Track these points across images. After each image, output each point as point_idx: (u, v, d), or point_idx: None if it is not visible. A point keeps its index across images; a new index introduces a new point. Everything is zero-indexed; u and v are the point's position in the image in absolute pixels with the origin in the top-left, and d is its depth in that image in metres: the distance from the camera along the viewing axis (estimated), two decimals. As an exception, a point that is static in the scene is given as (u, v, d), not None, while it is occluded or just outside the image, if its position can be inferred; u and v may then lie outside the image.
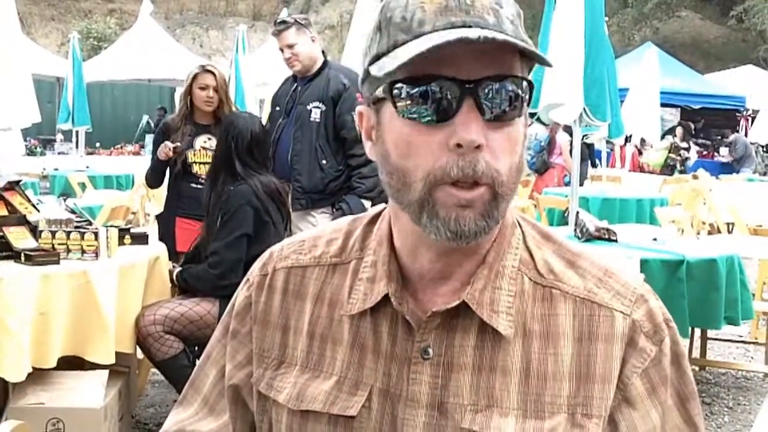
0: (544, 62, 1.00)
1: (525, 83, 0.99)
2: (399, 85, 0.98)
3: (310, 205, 4.80)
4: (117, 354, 3.76)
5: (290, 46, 4.97)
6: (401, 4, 0.99)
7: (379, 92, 1.02)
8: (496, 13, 0.97)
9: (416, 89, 0.97)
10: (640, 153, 14.79)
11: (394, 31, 0.98)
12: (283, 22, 5.10)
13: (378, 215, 1.15)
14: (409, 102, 0.98)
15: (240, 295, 1.22)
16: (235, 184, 4.16)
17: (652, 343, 1.05)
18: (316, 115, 4.80)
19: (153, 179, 5.38)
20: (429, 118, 0.97)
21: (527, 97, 1.00)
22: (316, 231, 1.22)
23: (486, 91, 0.96)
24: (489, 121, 0.96)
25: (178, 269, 4.29)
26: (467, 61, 0.96)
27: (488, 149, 0.96)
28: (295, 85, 5.06)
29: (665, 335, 1.06)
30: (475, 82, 0.96)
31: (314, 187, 4.79)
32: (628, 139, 14.78)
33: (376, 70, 0.99)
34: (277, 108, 5.16)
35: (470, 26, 0.95)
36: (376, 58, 1.01)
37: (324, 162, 4.77)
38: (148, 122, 19.76)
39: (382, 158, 1.03)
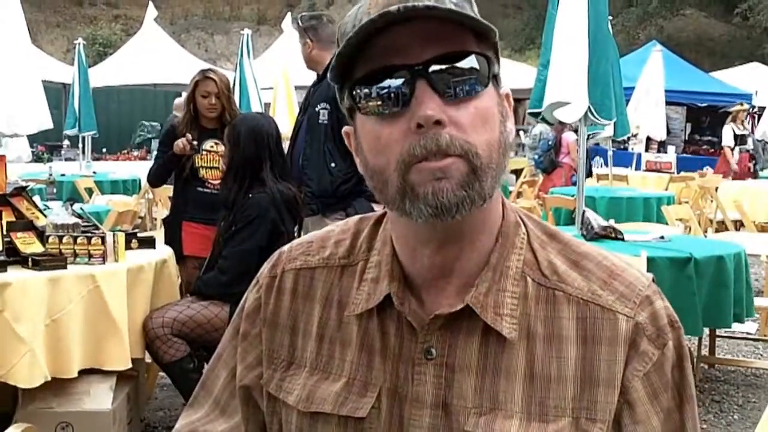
0: (484, 27, 0.99)
1: (481, 57, 1.00)
2: (356, 87, 1.00)
3: (321, 209, 4.67)
4: (128, 358, 3.78)
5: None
6: (352, 16, 1.02)
7: (347, 101, 1.04)
8: None
9: (371, 85, 0.99)
10: (752, 158, 14.39)
11: (343, 40, 1.00)
12: (293, 20, 5.12)
13: (384, 215, 1.16)
14: (369, 100, 1.00)
15: (250, 296, 1.22)
16: (254, 191, 4.11)
17: (654, 346, 1.04)
18: (323, 116, 4.71)
19: (158, 177, 5.35)
20: (389, 109, 0.98)
21: (487, 70, 1.01)
22: (325, 231, 1.22)
23: (437, 70, 0.97)
24: (449, 98, 0.98)
25: (194, 283, 4.30)
26: (414, 46, 0.97)
27: (453, 125, 0.97)
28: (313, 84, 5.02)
29: (668, 339, 1.05)
30: (423, 64, 0.97)
31: (324, 191, 4.66)
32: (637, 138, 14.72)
33: (335, 77, 1.03)
34: (301, 108, 5.14)
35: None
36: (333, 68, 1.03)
37: (333, 165, 4.65)
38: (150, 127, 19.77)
39: (363, 166, 1.05)
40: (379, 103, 0.99)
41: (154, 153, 6.00)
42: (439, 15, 0.96)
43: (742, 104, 14.95)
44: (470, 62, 0.99)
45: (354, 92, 1.01)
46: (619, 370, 1.02)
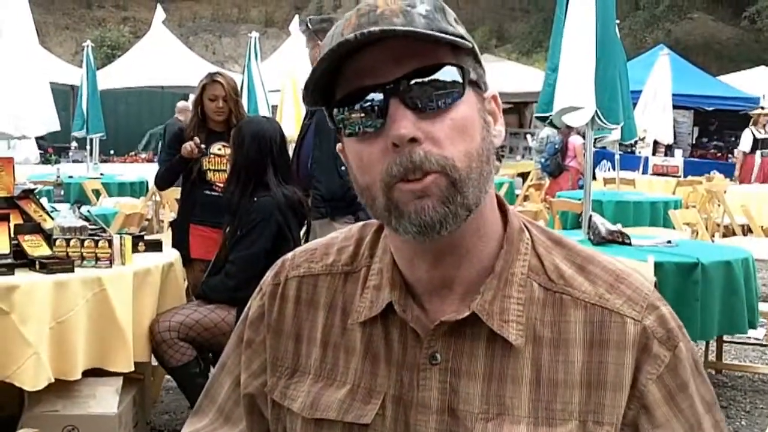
0: (450, 41, 0.99)
1: (454, 68, 1.00)
2: (335, 108, 1.02)
3: (330, 213, 4.57)
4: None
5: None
6: (330, 37, 1.03)
7: (330, 122, 1.06)
8: (406, 13, 0.99)
9: (348, 106, 1.01)
10: None
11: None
12: (301, 23, 5.10)
13: None
14: (348, 121, 1.01)
15: (253, 304, 1.22)
16: (259, 195, 4.11)
17: (666, 348, 1.04)
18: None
19: (165, 180, 5.37)
20: (366, 129, 1.00)
21: (462, 79, 1.01)
22: (328, 238, 1.22)
23: (408, 86, 0.98)
24: (423, 113, 0.98)
25: (201, 284, 4.30)
26: (385, 66, 0.98)
27: (429, 141, 0.97)
28: None
29: (679, 340, 1.05)
30: (394, 82, 0.98)
31: (333, 195, 4.56)
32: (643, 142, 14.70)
33: (311, 99, 1.04)
34: (306, 111, 5.11)
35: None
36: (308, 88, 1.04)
37: (343, 169, 4.58)
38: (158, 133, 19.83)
39: (354, 183, 1.06)
40: (357, 123, 1.00)
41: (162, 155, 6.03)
42: (400, 34, 0.96)
43: (762, 108, 14.88)
44: (443, 74, 0.99)
45: (334, 115, 1.03)
46: (628, 373, 1.02)
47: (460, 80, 1.00)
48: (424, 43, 0.98)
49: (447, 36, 0.99)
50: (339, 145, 1.10)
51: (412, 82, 0.98)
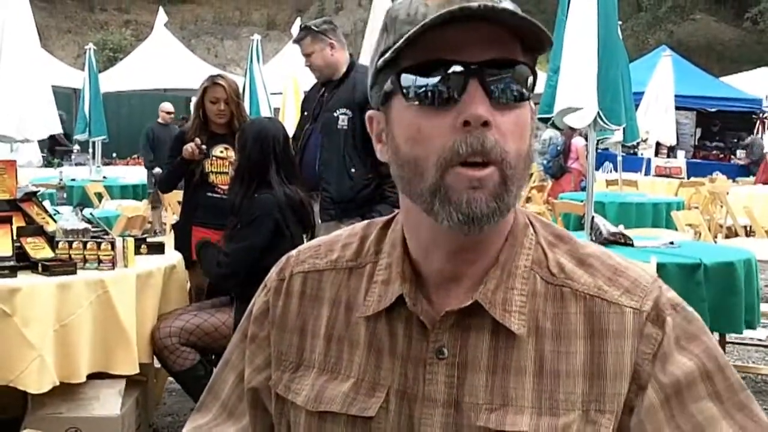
0: (547, 37, 1.00)
1: (528, 69, 1.02)
2: (406, 74, 1.01)
3: (339, 215, 4.63)
4: (136, 363, 3.78)
5: (307, 56, 4.93)
6: (405, 4, 1.02)
7: (387, 86, 1.04)
8: None
9: (422, 75, 0.99)
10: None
11: (399, 26, 1.01)
12: (301, 29, 5.08)
13: (392, 219, 1.17)
14: (416, 88, 1.00)
15: (258, 300, 1.23)
16: (261, 192, 4.11)
17: (657, 327, 1.04)
18: (343, 122, 4.66)
19: (167, 183, 5.40)
20: (437, 102, 0.99)
21: (532, 83, 1.02)
22: (333, 235, 1.23)
23: (491, 72, 0.98)
24: (496, 102, 0.98)
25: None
26: (470, 46, 0.98)
27: (497, 129, 0.98)
28: (323, 90, 4.95)
29: (666, 315, 1.04)
30: (480, 64, 0.98)
31: (344, 197, 4.63)
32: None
33: (383, 62, 1.02)
34: (305, 113, 5.08)
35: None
36: (384, 53, 1.03)
37: (353, 170, 4.60)
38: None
39: (393, 154, 1.05)
40: (429, 93, 0.99)
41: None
42: (501, 18, 0.96)
43: None
44: (520, 71, 1.01)
45: (401, 78, 1.01)
46: (629, 361, 1.03)
47: (532, 82, 1.02)
48: (507, 34, 0.99)
49: (549, 34, 1.00)
50: (371, 112, 1.10)
51: (494, 69, 0.98)
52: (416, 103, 1.00)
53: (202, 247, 4.27)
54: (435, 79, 0.99)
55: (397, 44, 0.99)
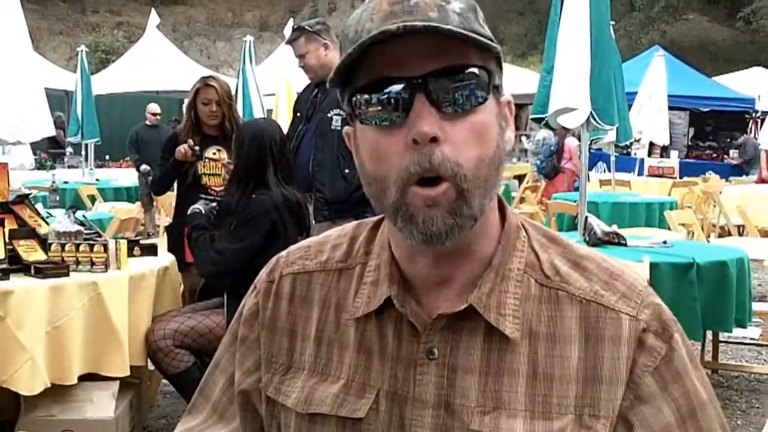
0: (487, 45, 0.99)
1: (482, 71, 1.00)
2: (357, 95, 1.01)
3: (333, 215, 4.61)
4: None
5: (301, 56, 4.92)
6: (356, 20, 1.02)
7: (345, 107, 1.04)
8: (440, 8, 0.98)
9: (371, 95, 0.99)
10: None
11: (348, 46, 1.00)
12: (294, 30, 5.07)
13: (382, 219, 1.16)
14: (368, 109, 1.00)
15: (248, 302, 1.23)
16: (258, 193, 4.10)
17: (662, 341, 1.04)
18: (337, 122, 4.64)
19: (161, 185, 5.40)
20: (387, 120, 0.99)
21: (488, 83, 1.01)
22: (322, 236, 1.23)
23: (436, 84, 0.97)
24: (447, 114, 0.98)
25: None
26: (415, 59, 0.97)
27: (448, 142, 0.97)
28: (316, 91, 4.95)
29: (674, 332, 1.06)
30: (423, 77, 0.97)
31: (337, 198, 4.62)
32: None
33: (336, 84, 1.03)
34: (298, 114, 5.08)
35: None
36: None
37: (347, 171, 4.58)
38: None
39: (360, 170, 1.05)
40: (378, 112, 0.99)
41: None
42: (439, 32, 0.95)
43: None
44: (471, 76, 0.99)
45: (354, 100, 1.02)
46: (624, 368, 1.03)
47: (486, 84, 1.01)
48: (454, 42, 0.97)
49: (483, 39, 0.98)
50: (347, 128, 1.09)
51: (441, 80, 0.97)
52: (370, 123, 1.00)
53: (192, 232, 4.23)
54: (382, 98, 0.98)
55: (337, 66, 0.99)
